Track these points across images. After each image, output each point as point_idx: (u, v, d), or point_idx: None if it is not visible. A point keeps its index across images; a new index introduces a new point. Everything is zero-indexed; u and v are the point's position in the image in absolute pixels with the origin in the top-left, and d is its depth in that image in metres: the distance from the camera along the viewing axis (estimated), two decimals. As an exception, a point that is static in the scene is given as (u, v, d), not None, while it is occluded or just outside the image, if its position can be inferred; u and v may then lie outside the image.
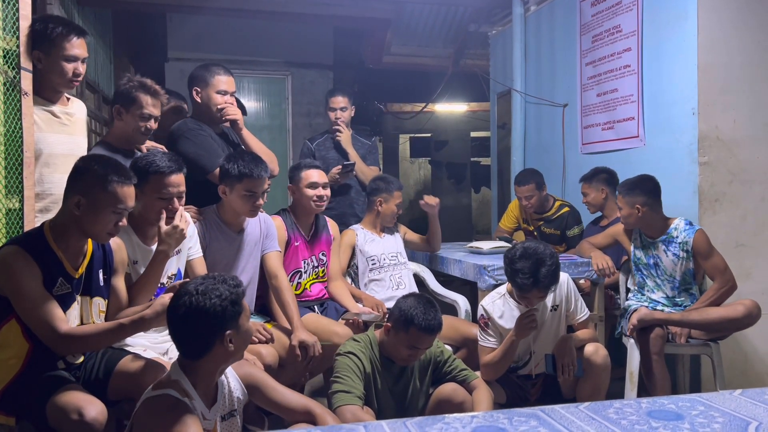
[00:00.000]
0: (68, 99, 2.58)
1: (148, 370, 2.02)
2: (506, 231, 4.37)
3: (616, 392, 3.01)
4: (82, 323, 2.05)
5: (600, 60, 4.17)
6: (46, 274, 1.90)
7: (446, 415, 1.44)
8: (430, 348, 2.42)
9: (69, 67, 2.42)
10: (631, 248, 3.19)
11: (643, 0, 3.74)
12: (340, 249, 3.36)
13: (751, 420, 1.36)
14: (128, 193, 2.00)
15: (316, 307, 3.08)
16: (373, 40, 6.59)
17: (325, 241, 3.21)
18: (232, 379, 1.88)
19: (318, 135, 4.04)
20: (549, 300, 2.69)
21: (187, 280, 2.09)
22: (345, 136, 3.83)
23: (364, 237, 3.45)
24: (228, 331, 1.69)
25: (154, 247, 2.36)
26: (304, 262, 3.11)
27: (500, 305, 2.70)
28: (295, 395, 1.94)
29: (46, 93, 2.46)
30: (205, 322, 1.67)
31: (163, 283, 2.35)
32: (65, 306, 1.96)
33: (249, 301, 2.85)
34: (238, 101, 3.20)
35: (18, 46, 2.31)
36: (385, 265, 3.42)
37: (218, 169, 2.76)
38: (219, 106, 2.96)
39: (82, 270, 2.04)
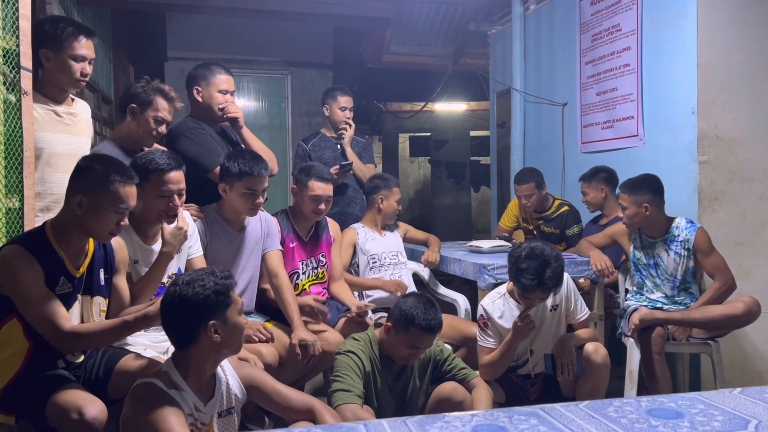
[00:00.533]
0: (73, 99, 2.59)
1: (149, 369, 2.02)
2: (506, 230, 4.37)
3: (615, 391, 3.01)
4: (82, 322, 2.05)
5: (599, 59, 4.17)
6: (48, 274, 1.90)
7: (446, 413, 1.45)
8: (430, 347, 2.43)
9: (77, 66, 2.45)
10: (631, 249, 3.19)
11: (642, -1, 3.75)
12: (342, 248, 3.36)
13: (751, 418, 1.36)
14: (130, 192, 2.01)
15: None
16: (373, 39, 6.59)
17: (326, 242, 3.21)
18: (231, 377, 1.89)
19: (311, 135, 4.04)
20: (549, 300, 2.69)
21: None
22: (350, 133, 3.83)
23: (365, 235, 3.45)
24: (212, 321, 1.71)
25: (154, 246, 2.37)
26: (302, 264, 3.10)
27: (500, 305, 2.70)
28: (296, 393, 1.95)
29: (52, 92, 2.47)
30: (186, 311, 1.71)
31: (163, 283, 2.35)
32: (67, 305, 1.96)
33: (249, 299, 2.85)
34: None
35: (18, 46, 2.31)
36: (385, 264, 3.42)
37: (218, 168, 2.76)
38: (220, 105, 2.97)
39: (83, 269, 2.04)
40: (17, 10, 2.31)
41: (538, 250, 2.50)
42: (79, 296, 2.03)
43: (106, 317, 2.12)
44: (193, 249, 2.57)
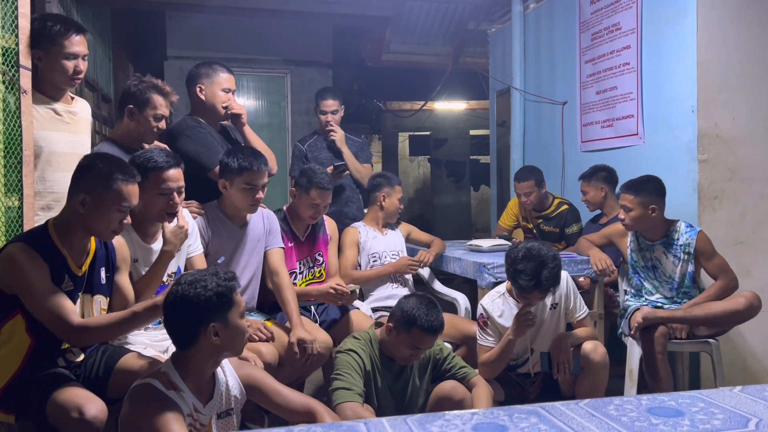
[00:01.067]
0: (72, 98, 2.58)
1: (149, 368, 2.02)
2: (505, 229, 4.37)
3: (615, 390, 3.01)
4: None
5: (599, 58, 4.17)
6: (53, 271, 1.90)
7: (447, 412, 1.45)
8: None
9: (69, 65, 2.42)
10: (628, 251, 3.18)
11: (642, -3, 3.75)
12: (346, 247, 3.36)
13: (751, 416, 1.36)
14: (133, 191, 2.01)
15: (313, 307, 3.07)
16: (373, 38, 6.59)
17: (323, 240, 3.21)
18: (230, 377, 1.89)
19: (308, 136, 4.04)
20: (548, 298, 2.69)
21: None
22: (339, 136, 3.84)
23: (366, 234, 3.45)
24: (213, 324, 1.70)
25: (153, 245, 2.37)
26: (300, 263, 3.10)
27: (500, 304, 2.70)
28: (296, 395, 1.94)
29: (49, 91, 2.46)
30: (187, 312, 1.70)
31: (163, 282, 2.35)
32: None
33: (251, 297, 2.85)
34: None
35: (17, 45, 2.30)
36: (386, 262, 3.42)
37: (218, 167, 2.76)
38: (224, 103, 2.98)
39: (85, 268, 2.04)
40: (16, 8, 2.30)
41: (535, 251, 2.50)
42: (80, 295, 2.03)
43: None
44: (193, 247, 2.57)
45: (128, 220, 2.03)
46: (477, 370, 2.59)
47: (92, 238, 2.07)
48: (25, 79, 2.32)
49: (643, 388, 3.00)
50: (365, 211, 3.92)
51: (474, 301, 3.28)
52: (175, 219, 2.33)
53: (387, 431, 1.32)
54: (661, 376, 2.83)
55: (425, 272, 3.84)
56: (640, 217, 2.99)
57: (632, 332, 2.94)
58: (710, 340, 2.97)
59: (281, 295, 2.75)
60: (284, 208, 3.17)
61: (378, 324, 2.56)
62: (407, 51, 6.70)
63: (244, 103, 6.55)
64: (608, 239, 3.29)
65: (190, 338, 1.72)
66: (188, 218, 2.52)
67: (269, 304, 2.92)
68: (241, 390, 1.90)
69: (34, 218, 2.36)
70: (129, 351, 2.18)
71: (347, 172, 3.73)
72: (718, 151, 3.34)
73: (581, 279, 3.38)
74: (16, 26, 2.30)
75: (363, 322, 2.98)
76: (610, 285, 3.51)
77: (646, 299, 3.10)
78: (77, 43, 2.44)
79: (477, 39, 6.18)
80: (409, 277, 3.49)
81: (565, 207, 4.05)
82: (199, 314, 1.70)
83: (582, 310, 2.77)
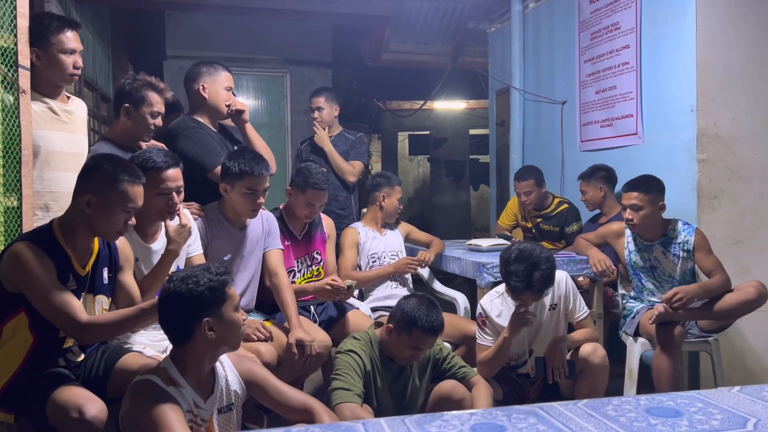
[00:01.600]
0: (68, 97, 2.58)
1: (149, 368, 2.02)
2: (505, 228, 4.37)
3: (615, 390, 3.01)
4: None
5: (599, 57, 4.17)
6: (58, 271, 1.91)
7: (445, 412, 1.44)
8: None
9: (68, 60, 2.44)
10: (626, 252, 3.17)
11: (641, -3, 3.75)
12: (346, 248, 3.36)
13: (750, 417, 1.36)
14: (138, 192, 2.02)
15: (312, 307, 3.07)
16: (372, 37, 6.59)
17: (320, 239, 3.20)
18: (230, 373, 1.89)
19: (308, 138, 4.10)
20: (547, 299, 2.69)
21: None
22: (319, 134, 3.86)
23: (366, 234, 3.45)
24: (206, 318, 1.70)
25: (153, 245, 2.38)
26: (298, 261, 3.10)
27: (498, 304, 2.70)
28: (296, 393, 1.94)
29: (46, 90, 2.46)
30: (181, 308, 1.71)
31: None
32: None
33: (250, 298, 2.85)
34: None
35: (15, 44, 2.30)
36: (385, 263, 3.42)
37: (218, 168, 2.76)
38: (227, 102, 2.99)
39: (88, 268, 2.05)
40: (15, 8, 2.30)
41: (527, 252, 2.49)
42: (83, 294, 2.04)
43: None
44: (193, 247, 2.57)
45: (133, 221, 2.04)
46: (476, 370, 2.59)
47: (96, 239, 2.07)
48: (24, 79, 2.32)
49: (642, 387, 3.00)
50: (353, 207, 3.95)
51: (473, 300, 3.28)
52: (178, 218, 2.34)
53: (385, 431, 1.32)
54: (674, 374, 2.80)
55: (425, 272, 3.84)
56: (650, 215, 2.96)
57: (651, 321, 2.86)
58: (710, 339, 2.98)
59: (280, 295, 2.75)
60: (281, 206, 3.17)
61: (377, 324, 2.56)
62: (407, 50, 6.70)
63: (243, 102, 6.54)
64: (603, 239, 3.28)
65: (185, 334, 1.72)
66: (189, 218, 2.53)
67: (268, 304, 2.92)
68: (241, 385, 1.90)
69: (33, 218, 2.35)
70: (129, 351, 2.18)
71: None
72: (718, 150, 3.34)
73: (580, 279, 3.38)
74: (15, 26, 2.30)
75: (362, 322, 2.98)
76: (609, 285, 3.51)
77: (648, 300, 3.10)
78: (73, 39, 2.46)
79: (476, 38, 6.18)
80: (408, 276, 3.49)
81: (565, 206, 4.05)
82: (192, 310, 1.70)
83: (582, 311, 2.77)
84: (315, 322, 2.98)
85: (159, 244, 2.39)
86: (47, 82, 2.45)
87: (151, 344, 2.32)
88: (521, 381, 2.80)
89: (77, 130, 2.59)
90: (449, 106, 9.89)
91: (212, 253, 2.68)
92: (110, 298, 2.15)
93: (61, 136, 2.49)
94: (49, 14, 2.64)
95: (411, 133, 10.64)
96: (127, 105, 2.58)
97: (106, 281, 2.11)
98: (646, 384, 3.06)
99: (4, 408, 1.92)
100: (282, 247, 2.93)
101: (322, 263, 3.19)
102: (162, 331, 2.34)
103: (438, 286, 3.86)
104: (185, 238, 2.35)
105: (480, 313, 2.71)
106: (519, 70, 5.09)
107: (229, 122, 3.15)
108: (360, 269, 3.41)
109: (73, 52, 2.45)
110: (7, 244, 2.15)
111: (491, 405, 2.41)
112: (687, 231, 3.00)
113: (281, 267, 2.84)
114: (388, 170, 6.74)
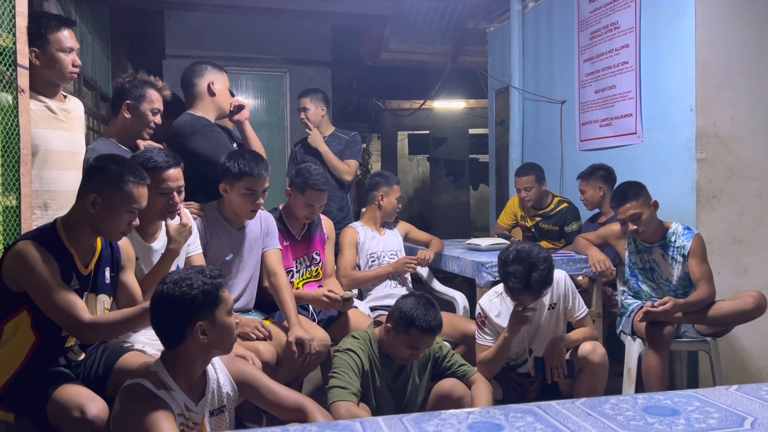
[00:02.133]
0: (65, 97, 2.59)
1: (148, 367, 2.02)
2: (505, 228, 4.37)
3: (613, 389, 3.01)
4: None
5: (598, 57, 4.17)
6: (61, 270, 1.91)
7: (442, 411, 1.45)
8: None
9: (67, 59, 2.45)
10: (626, 253, 3.17)
11: (641, -4, 3.74)
12: (345, 248, 3.36)
13: (747, 415, 1.36)
14: (143, 193, 2.03)
15: (311, 306, 3.07)
16: (372, 36, 6.58)
17: (319, 239, 3.20)
18: (221, 375, 1.88)
19: (300, 139, 4.11)
20: (546, 298, 2.69)
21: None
22: (313, 135, 3.86)
23: (365, 234, 3.45)
24: (199, 322, 1.68)
25: (153, 244, 2.38)
26: (296, 262, 3.10)
27: (497, 304, 2.70)
28: (289, 392, 1.93)
29: (43, 89, 2.46)
30: (173, 311, 1.69)
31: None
32: None
33: (249, 298, 2.85)
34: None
35: (14, 44, 2.30)
36: (384, 263, 3.42)
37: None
38: (230, 100, 3.02)
39: (91, 267, 2.05)
40: (14, 7, 2.31)
41: (525, 253, 2.49)
42: (85, 294, 2.04)
43: None
44: (192, 247, 2.57)
45: (137, 221, 2.05)
46: (476, 368, 2.59)
47: (98, 238, 2.08)
48: (23, 78, 2.32)
49: (641, 387, 3.01)
50: (350, 207, 3.96)
51: (473, 299, 3.28)
52: (178, 217, 2.34)
53: (383, 431, 1.32)
54: (663, 374, 2.81)
55: (424, 271, 3.84)
56: (650, 217, 2.95)
57: (641, 319, 2.87)
58: (708, 339, 2.98)
59: (279, 295, 2.75)
60: (280, 207, 3.17)
61: (377, 323, 2.56)
62: (406, 50, 6.70)
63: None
64: (604, 240, 3.28)
65: (177, 337, 1.70)
66: (189, 217, 2.53)
67: (267, 303, 2.92)
68: (233, 387, 1.89)
69: (32, 217, 2.36)
70: (129, 350, 2.19)
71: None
72: (717, 149, 3.34)
73: (579, 278, 3.39)
74: (14, 25, 2.31)
75: (361, 321, 2.98)
76: (608, 284, 3.51)
77: (645, 301, 3.09)
78: (71, 38, 2.47)
79: (476, 38, 6.18)
80: (407, 276, 3.49)
81: (564, 205, 4.05)
82: (185, 313, 1.68)
83: (581, 310, 2.77)
84: (314, 320, 2.98)
85: (159, 244, 2.39)
86: (46, 82, 2.46)
87: (150, 343, 2.32)
88: (521, 380, 2.80)
89: (75, 129, 2.59)
90: (449, 105, 9.90)
91: (211, 253, 2.68)
92: (112, 298, 2.15)
93: (59, 135, 2.49)
94: (45, 14, 2.65)
95: (410, 132, 10.65)
96: (128, 102, 2.59)
97: (108, 281, 2.12)
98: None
99: (3, 407, 1.91)
100: (280, 247, 2.93)
101: (320, 264, 3.19)
102: (161, 331, 2.37)
103: (437, 285, 3.86)
104: (186, 237, 2.36)
105: (479, 313, 2.71)
106: (518, 70, 5.09)
107: (225, 122, 3.15)
108: (359, 269, 3.41)
109: (71, 50, 2.46)
110: (7, 243, 2.16)
111: (491, 403, 2.42)
112: (686, 236, 2.98)
113: (280, 267, 2.84)
114: (388, 170, 6.75)
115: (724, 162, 3.35)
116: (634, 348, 3.01)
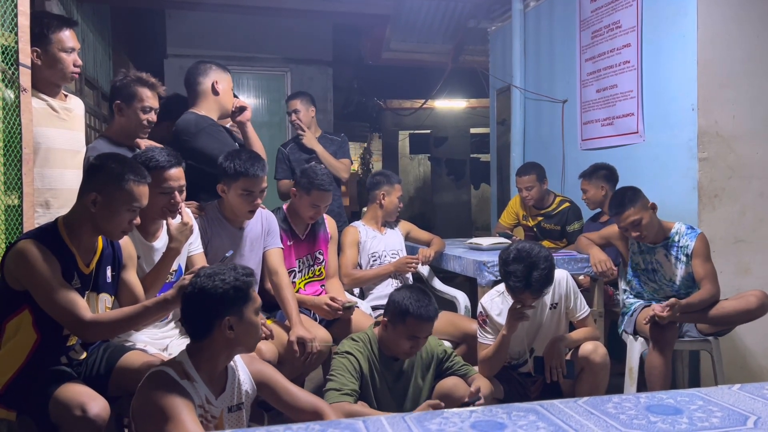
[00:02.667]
0: (66, 96, 2.59)
1: (149, 367, 2.02)
2: (506, 227, 4.37)
3: (615, 388, 3.01)
4: None
5: (599, 56, 4.16)
6: (63, 269, 1.91)
7: (445, 410, 1.45)
8: (429, 338, 2.42)
9: (68, 59, 2.45)
10: (629, 253, 3.16)
11: (642, -5, 3.74)
12: (346, 247, 3.36)
13: (750, 414, 1.36)
14: (144, 192, 2.04)
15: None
16: (372, 36, 6.58)
17: (323, 239, 3.21)
18: (242, 372, 1.90)
19: (290, 140, 4.09)
20: (548, 298, 2.68)
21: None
22: (307, 136, 3.86)
23: (366, 233, 3.46)
24: (228, 317, 1.72)
25: (154, 243, 2.38)
26: (299, 262, 3.10)
27: (499, 303, 2.70)
28: (305, 394, 1.95)
29: (45, 89, 2.47)
30: (204, 304, 1.73)
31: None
32: None
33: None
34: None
35: (16, 43, 2.30)
36: (385, 262, 3.42)
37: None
38: (232, 100, 3.01)
39: (92, 266, 2.05)
40: (16, 6, 2.30)
41: (525, 252, 2.49)
42: (87, 293, 2.04)
43: None
44: (194, 246, 2.57)
45: (137, 220, 2.05)
46: (476, 368, 2.59)
47: (100, 237, 2.08)
48: (25, 77, 2.32)
49: (643, 386, 3.00)
50: (342, 206, 3.96)
51: (474, 299, 3.29)
52: (179, 216, 2.34)
53: (386, 429, 1.32)
54: (666, 373, 2.80)
55: (425, 270, 3.84)
56: (651, 221, 2.94)
57: (646, 322, 2.85)
58: (710, 338, 2.97)
59: (280, 294, 2.75)
60: (284, 207, 3.18)
61: (378, 323, 2.56)
62: (407, 49, 6.70)
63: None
64: (607, 240, 3.27)
65: (205, 330, 1.74)
66: (190, 216, 2.53)
67: (268, 302, 2.92)
68: (252, 385, 1.92)
69: (34, 216, 2.36)
70: (130, 349, 2.19)
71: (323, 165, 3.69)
72: (718, 149, 3.34)
73: (581, 277, 3.38)
74: (16, 24, 2.30)
75: (362, 321, 2.98)
76: (610, 283, 3.51)
77: (648, 301, 3.09)
78: (71, 37, 2.48)
79: (477, 37, 6.18)
80: (409, 275, 3.49)
81: (566, 205, 4.05)
82: (215, 306, 1.72)
83: (583, 310, 2.76)
84: (315, 320, 2.99)
85: (161, 243, 2.39)
86: (47, 82, 2.46)
87: (152, 342, 2.33)
88: (522, 380, 2.80)
89: (76, 128, 2.59)
90: (450, 104, 9.89)
91: (212, 252, 2.68)
92: (113, 297, 2.15)
93: (61, 134, 2.50)
94: (47, 14, 2.66)
95: (411, 132, 10.64)
96: (118, 102, 2.59)
97: (109, 279, 2.12)
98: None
99: (5, 405, 1.92)
100: (282, 246, 2.93)
101: (323, 263, 3.19)
102: (163, 330, 2.38)
103: (438, 284, 3.86)
104: (187, 236, 2.36)
105: (480, 312, 2.71)
106: (520, 69, 5.08)
107: (225, 122, 3.15)
108: (360, 268, 3.41)
109: (72, 50, 2.47)
110: (9, 242, 2.16)
111: (491, 401, 2.41)
112: (690, 235, 2.98)
113: (281, 266, 2.84)
114: (389, 169, 6.75)
115: (726, 161, 3.34)
116: (635, 348, 3.01)
